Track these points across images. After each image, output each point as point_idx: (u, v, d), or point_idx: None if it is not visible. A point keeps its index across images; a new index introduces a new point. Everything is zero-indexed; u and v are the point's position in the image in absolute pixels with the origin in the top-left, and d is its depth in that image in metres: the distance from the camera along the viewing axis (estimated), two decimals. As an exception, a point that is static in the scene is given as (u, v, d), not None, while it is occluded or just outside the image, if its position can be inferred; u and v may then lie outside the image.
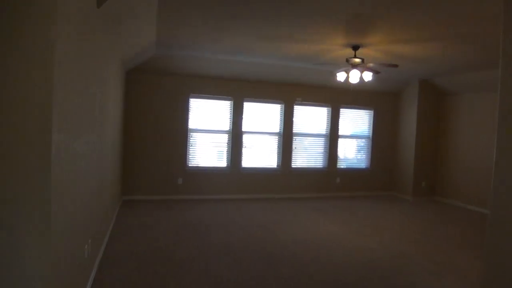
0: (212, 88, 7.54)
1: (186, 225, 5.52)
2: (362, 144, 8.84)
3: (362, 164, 8.85)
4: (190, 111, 7.45)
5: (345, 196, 8.44)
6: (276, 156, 8.11)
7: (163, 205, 6.76)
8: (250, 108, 7.84)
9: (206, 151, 7.70)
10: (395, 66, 5.48)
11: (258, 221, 5.91)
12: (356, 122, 8.73)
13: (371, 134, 8.78)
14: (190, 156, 7.52)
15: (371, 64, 5.48)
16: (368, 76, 5.58)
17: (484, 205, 7.35)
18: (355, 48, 5.46)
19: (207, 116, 7.59)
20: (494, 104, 7.34)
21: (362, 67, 5.55)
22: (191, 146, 7.52)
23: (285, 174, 8.11)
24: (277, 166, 8.11)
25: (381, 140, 8.83)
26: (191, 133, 7.49)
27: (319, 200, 7.92)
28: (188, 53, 6.49)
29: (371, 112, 8.74)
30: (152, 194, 7.28)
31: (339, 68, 6.02)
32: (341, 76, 5.74)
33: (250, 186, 7.88)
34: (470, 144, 7.81)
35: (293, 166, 8.18)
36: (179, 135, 7.39)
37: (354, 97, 8.44)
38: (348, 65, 5.65)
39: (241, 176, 7.80)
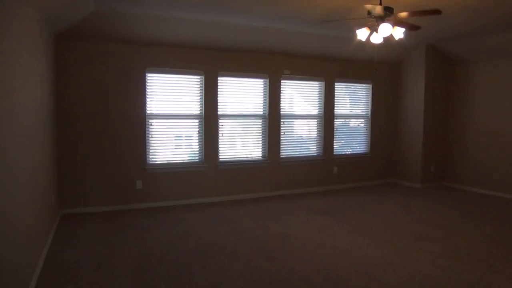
0: (176, 59, 5.69)
1: (150, 259, 3.74)
2: (361, 125, 7.39)
3: (361, 149, 7.44)
4: (148, 90, 5.59)
5: (346, 189, 7.01)
6: (261, 144, 6.47)
7: (117, 221, 4.92)
8: (226, 85, 6.10)
9: (172, 143, 5.92)
10: (438, 12, 3.95)
11: (253, 240, 4.27)
12: (353, 99, 7.27)
13: (369, 113, 7.35)
14: (150, 150, 5.69)
15: (404, 14, 3.83)
16: (399, 32, 4.03)
17: (506, 190, 6.25)
18: (381, -6, 3.90)
19: (171, 97, 5.76)
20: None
21: (392, 20, 4.00)
22: (152, 137, 5.69)
23: (273, 166, 6.50)
24: (262, 157, 6.48)
25: (382, 119, 7.44)
26: (150, 120, 5.64)
27: (318, 196, 6.42)
28: (141, 9, 4.60)
29: (369, 86, 7.29)
30: (101, 205, 5.41)
31: (354, 24, 4.44)
32: (361, 34, 4.16)
33: (231, 185, 6.20)
34: (487, 121, 6.61)
35: (282, 156, 6.59)
36: (135, 124, 5.52)
37: (352, 68, 6.96)
38: (371, 19, 4.07)
39: (218, 172, 6.10)
